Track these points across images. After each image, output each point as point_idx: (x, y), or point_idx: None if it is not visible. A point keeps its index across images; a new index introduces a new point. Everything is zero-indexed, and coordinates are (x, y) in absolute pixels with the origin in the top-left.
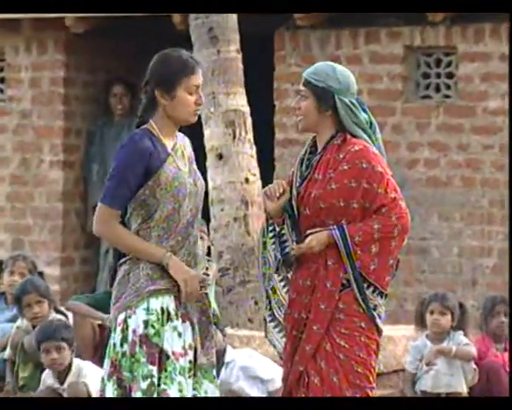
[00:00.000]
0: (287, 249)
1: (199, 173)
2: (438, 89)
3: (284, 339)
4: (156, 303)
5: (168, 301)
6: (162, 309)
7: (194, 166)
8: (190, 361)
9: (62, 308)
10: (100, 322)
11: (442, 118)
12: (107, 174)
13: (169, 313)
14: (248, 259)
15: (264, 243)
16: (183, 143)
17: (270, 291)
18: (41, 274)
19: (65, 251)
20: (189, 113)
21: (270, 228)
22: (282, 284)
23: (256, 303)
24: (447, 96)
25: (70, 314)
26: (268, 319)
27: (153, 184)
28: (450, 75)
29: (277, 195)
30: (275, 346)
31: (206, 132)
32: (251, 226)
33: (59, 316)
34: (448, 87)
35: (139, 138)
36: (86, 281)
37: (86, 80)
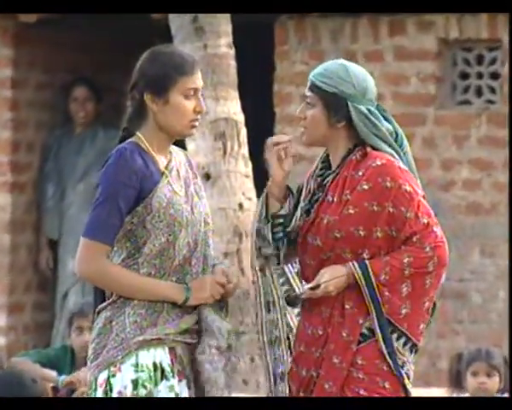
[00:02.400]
0: (286, 287)
1: (197, 198)
2: (479, 92)
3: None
4: (147, 357)
5: (162, 355)
6: (155, 365)
7: (192, 189)
8: None
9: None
10: (53, 385)
11: (485, 129)
12: (65, 198)
13: (163, 370)
14: (243, 304)
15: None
16: (179, 159)
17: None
18: None
19: (13, 295)
20: (184, 122)
21: (276, 229)
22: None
23: (252, 360)
24: (491, 102)
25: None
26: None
27: (142, 210)
28: (494, 75)
29: (283, 152)
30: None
31: (190, 147)
32: (246, 264)
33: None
34: (492, 90)
35: (130, 154)
36: (39, 332)
37: (40, 81)
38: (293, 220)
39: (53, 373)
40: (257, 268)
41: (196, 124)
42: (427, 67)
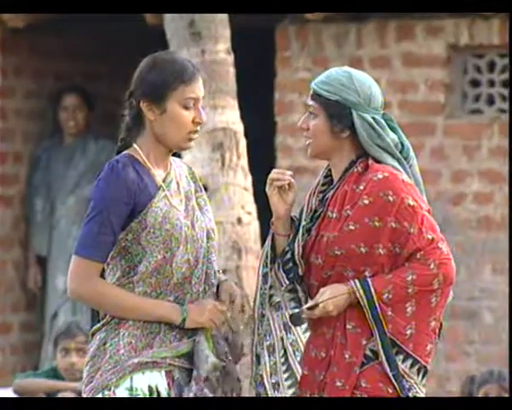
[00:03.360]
0: (293, 304)
1: (199, 212)
2: (491, 101)
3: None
4: (142, 381)
5: (158, 378)
6: (150, 388)
7: (194, 203)
8: None
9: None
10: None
11: (496, 139)
12: (55, 212)
13: (159, 394)
14: (242, 326)
15: (265, 276)
16: (180, 172)
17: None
18: None
19: (0, 314)
20: (182, 134)
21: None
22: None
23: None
24: (503, 111)
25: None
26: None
27: (137, 226)
28: (506, 83)
29: (286, 185)
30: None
31: (187, 158)
32: (245, 282)
33: None
34: (504, 98)
35: (122, 167)
36: (27, 354)
37: (28, 89)
38: (296, 242)
39: (71, 383)
40: (258, 315)
41: (195, 136)
42: (436, 74)
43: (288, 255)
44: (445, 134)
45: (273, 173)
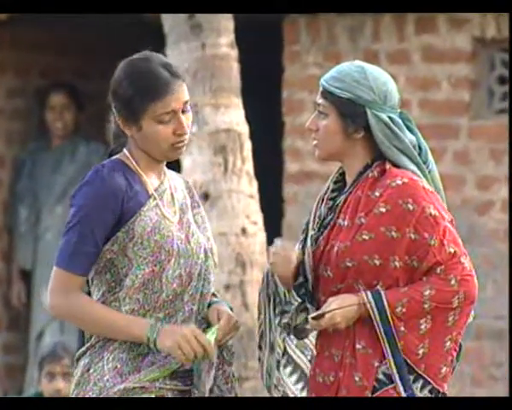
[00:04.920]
0: (303, 315)
1: (196, 228)
2: None
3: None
4: None
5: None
6: None
7: (190, 217)
8: None
9: None
10: None
11: None
12: (41, 222)
13: None
14: (246, 345)
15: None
16: (175, 185)
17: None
18: None
19: None
20: (163, 147)
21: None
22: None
23: None
24: None
25: None
26: (281, 361)
27: (124, 235)
28: None
29: (293, 258)
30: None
31: (186, 162)
32: (249, 297)
33: None
34: None
35: (108, 173)
36: (10, 377)
37: (12, 87)
38: (306, 254)
39: None
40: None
41: (180, 145)
42: (460, 71)
43: (304, 291)
44: (469, 136)
45: (276, 246)
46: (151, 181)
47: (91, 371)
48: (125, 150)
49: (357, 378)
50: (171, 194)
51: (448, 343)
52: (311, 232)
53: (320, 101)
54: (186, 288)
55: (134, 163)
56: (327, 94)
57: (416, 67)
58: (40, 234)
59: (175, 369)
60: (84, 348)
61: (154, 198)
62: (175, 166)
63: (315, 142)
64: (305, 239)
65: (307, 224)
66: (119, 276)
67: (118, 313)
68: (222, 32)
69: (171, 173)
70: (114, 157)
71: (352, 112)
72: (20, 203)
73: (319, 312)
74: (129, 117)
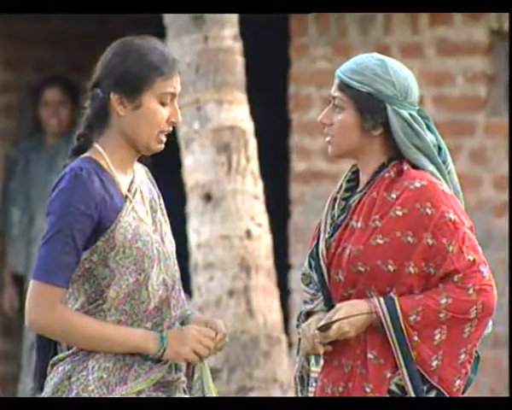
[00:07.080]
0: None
1: (165, 225)
2: None
3: None
4: None
5: None
6: None
7: (159, 215)
8: None
9: None
10: None
11: None
12: (34, 224)
13: None
14: (251, 353)
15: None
16: (141, 178)
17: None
18: None
19: None
20: (154, 132)
21: None
22: None
23: None
24: None
25: None
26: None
27: (104, 245)
28: None
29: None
30: None
31: (187, 161)
32: (255, 304)
33: None
34: None
35: (88, 176)
36: (2, 387)
37: (3, 81)
38: (321, 259)
39: None
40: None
41: (164, 139)
42: (476, 65)
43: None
44: (486, 133)
45: (315, 332)
46: (122, 180)
47: (73, 379)
48: (96, 145)
49: (368, 389)
50: (141, 191)
51: (463, 356)
52: (322, 235)
53: (336, 94)
54: (171, 292)
55: (107, 160)
56: (344, 87)
57: (430, 61)
58: (33, 237)
59: (158, 379)
60: (63, 355)
61: (130, 200)
62: (175, 165)
63: (328, 137)
64: (318, 242)
65: (319, 226)
66: (99, 287)
67: (113, 326)
68: (225, 23)
69: (135, 166)
70: (86, 155)
71: (371, 107)
72: (12, 204)
73: (325, 322)
74: (129, 92)
